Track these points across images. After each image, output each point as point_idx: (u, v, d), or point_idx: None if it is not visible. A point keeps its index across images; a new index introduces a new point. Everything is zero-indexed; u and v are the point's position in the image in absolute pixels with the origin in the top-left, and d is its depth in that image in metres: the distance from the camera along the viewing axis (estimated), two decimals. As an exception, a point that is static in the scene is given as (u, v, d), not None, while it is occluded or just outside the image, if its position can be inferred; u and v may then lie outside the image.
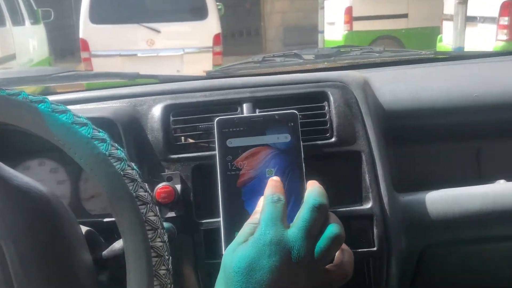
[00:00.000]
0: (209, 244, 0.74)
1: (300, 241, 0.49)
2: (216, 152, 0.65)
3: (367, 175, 0.76)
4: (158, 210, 0.52)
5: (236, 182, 0.64)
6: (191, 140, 0.81)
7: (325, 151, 0.77)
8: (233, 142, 0.66)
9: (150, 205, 0.50)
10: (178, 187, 0.73)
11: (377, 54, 1.24)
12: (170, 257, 0.51)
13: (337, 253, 0.54)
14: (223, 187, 0.64)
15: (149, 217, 0.49)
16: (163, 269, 0.49)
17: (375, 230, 0.74)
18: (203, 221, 0.74)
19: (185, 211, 0.73)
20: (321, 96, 0.81)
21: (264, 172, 0.66)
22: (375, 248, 0.74)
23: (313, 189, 0.55)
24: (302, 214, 0.51)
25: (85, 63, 5.27)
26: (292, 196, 0.65)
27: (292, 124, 0.67)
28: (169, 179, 0.74)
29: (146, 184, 0.52)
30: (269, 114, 0.68)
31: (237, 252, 0.49)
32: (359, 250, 0.73)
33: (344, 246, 0.56)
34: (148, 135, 0.77)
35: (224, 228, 0.65)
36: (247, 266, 0.47)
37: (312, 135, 0.77)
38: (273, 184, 0.57)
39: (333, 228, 0.51)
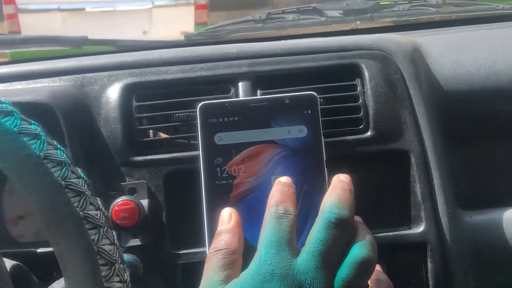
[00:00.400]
0: (189, 285, 0.74)
1: (313, 272, 0.49)
2: (200, 152, 0.65)
3: (418, 185, 0.76)
4: (115, 237, 0.52)
5: (229, 196, 0.65)
6: (163, 135, 0.82)
7: (357, 150, 0.77)
8: (224, 138, 0.67)
9: (104, 229, 0.50)
10: (145, 203, 0.74)
11: (434, 9, 1.24)
12: (134, 304, 0.51)
13: (371, 285, 0.55)
14: (210, 203, 0.64)
15: (102, 247, 0.49)
16: (123, 322, 0.50)
17: (429, 265, 0.75)
18: (180, 252, 0.74)
19: (155, 237, 0.74)
20: (352, 71, 0.82)
21: (269, 182, 0.66)
22: (430, 291, 0.75)
23: (330, 196, 0.55)
24: (315, 234, 0.51)
25: (10, 22, 5.24)
26: (310, 215, 0.65)
27: (309, 111, 0.67)
28: (132, 191, 0.75)
29: (98, 199, 0.52)
30: (276, 97, 0.68)
31: None
32: (407, 294, 0.74)
33: (379, 274, 0.56)
34: (101, 128, 0.78)
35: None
36: None
37: (338, 128, 0.78)
38: (279, 189, 0.57)
39: (359, 250, 0.51)
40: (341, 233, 0.51)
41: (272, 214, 0.53)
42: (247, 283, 0.49)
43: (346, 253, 0.51)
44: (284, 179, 0.59)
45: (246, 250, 0.63)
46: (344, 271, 0.49)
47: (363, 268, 0.50)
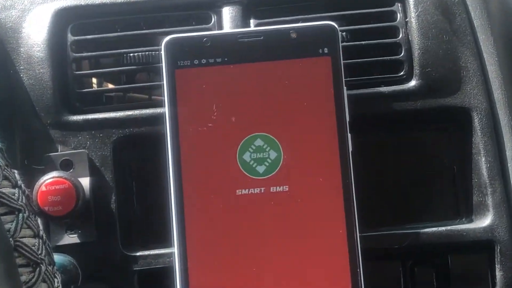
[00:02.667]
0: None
1: None
2: (166, 110, 0.66)
3: (483, 159, 0.76)
4: (41, 226, 0.52)
5: (205, 174, 0.65)
6: (111, 86, 0.82)
7: (396, 107, 0.77)
8: (201, 89, 0.67)
9: (25, 215, 0.50)
10: (85, 182, 0.74)
11: None
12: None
13: None
14: (179, 185, 0.65)
15: (22, 240, 0.50)
16: None
17: (498, 274, 0.75)
18: (136, 254, 0.75)
19: (100, 232, 0.75)
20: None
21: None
22: (498, 309, 0.75)
23: None
24: None
25: None
26: (322, 224, 0.67)
27: (326, 50, 0.68)
28: (66, 165, 0.75)
29: (16, 172, 0.53)
30: (278, 29, 0.69)
31: None
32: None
33: None
34: (21, 73, 0.78)
35: (181, 269, 0.66)
36: None
37: (369, 75, 0.78)
38: None
39: None
40: None
41: None
42: None
43: None
44: None
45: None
46: None
47: None
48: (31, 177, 0.73)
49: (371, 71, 0.79)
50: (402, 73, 0.78)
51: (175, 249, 0.67)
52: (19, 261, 0.49)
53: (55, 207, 0.71)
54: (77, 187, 0.72)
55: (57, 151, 0.76)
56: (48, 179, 0.71)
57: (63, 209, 0.71)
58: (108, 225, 0.75)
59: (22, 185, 0.52)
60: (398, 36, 0.79)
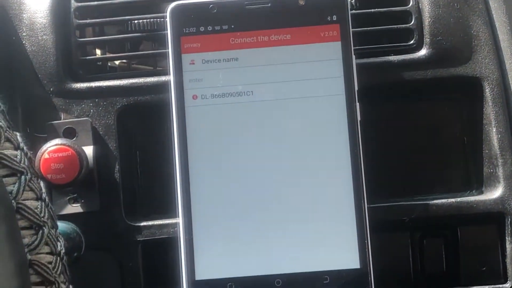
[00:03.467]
0: (154, 274, 0.76)
1: None
2: (171, 78, 0.66)
3: (494, 129, 0.76)
4: (43, 190, 0.52)
5: (211, 143, 0.65)
6: (113, 54, 0.82)
7: (405, 77, 0.77)
8: (206, 57, 0.67)
9: (28, 177, 0.50)
10: (89, 150, 0.74)
11: None
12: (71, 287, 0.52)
13: None
14: (184, 153, 0.65)
15: (24, 203, 0.49)
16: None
17: (508, 246, 0.75)
18: (140, 225, 0.75)
19: (104, 202, 0.75)
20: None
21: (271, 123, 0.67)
22: (508, 285, 0.75)
23: None
24: None
25: None
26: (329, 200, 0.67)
27: (335, 17, 0.68)
28: (70, 133, 0.75)
29: (18, 134, 0.52)
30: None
31: None
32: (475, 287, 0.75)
33: None
34: (23, 40, 0.77)
35: (186, 239, 0.66)
36: None
37: (378, 44, 0.78)
38: None
39: None
40: None
41: None
42: None
43: None
44: None
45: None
46: None
47: None
48: (33, 145, 0.73)
49: (380, 40, 0.78)
50: (412, 41, 0.78)
51: (179, 219, 0.67)
52: (21, 223, 0.49)
53: (58, 175, 0.70)
54: (81, 155, 0.71)
55: (60, 119, 0.75)
56: (51, 146, 0.71)
57: (66, 177, 0.71)
58: (112, 195, 0.75)
59: (25, 148, 0.52)
60: (409, 4, 0.78)
